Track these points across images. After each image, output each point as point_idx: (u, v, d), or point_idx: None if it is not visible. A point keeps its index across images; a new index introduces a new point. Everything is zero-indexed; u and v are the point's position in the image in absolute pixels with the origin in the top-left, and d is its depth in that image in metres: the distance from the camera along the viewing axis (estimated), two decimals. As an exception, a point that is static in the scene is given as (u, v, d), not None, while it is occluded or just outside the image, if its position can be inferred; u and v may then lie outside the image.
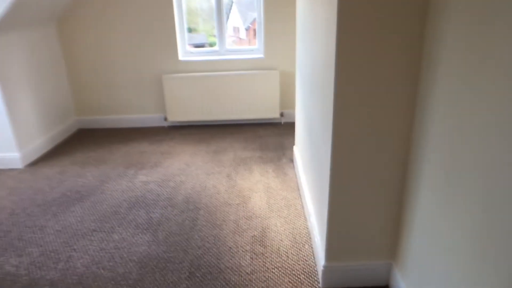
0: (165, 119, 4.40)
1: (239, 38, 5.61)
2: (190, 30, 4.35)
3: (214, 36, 4.34)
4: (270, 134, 4.12)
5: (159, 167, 3.42)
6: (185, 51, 4.35)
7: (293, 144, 3.74)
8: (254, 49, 4.33)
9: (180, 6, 4.15)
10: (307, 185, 2.53)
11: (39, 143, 3.79)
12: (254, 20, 4.33)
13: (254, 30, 4.41)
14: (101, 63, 4.29)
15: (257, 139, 4.00)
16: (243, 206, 2.72)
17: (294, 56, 4.14)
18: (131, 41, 4.18)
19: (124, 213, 2.70)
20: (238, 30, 5.46)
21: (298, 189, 2.92)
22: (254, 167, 3.34)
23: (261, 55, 4.25)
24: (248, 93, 4.21)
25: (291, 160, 3.45)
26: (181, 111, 4.32)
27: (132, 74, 4.33)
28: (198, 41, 4.59)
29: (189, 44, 4.44)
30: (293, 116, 4.34)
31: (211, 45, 4.52)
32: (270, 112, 4.30)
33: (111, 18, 4.09)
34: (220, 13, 4.17)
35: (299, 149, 3.02)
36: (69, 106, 4.43)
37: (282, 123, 4.43)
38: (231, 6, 5.12)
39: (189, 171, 3.32)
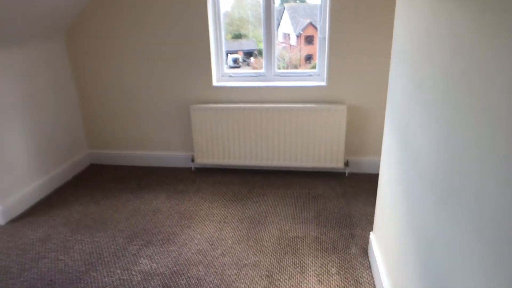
0: (192, 159, 3.41)
1: (289, 45, 4.65)
2: (240, 36, 3.55)
3: None
4: (330, 194, 2.97)
5: (172, 244, 2.40)
6: (221, 74, 3.34)
7: (365, 214, 2.56)
8: (313, 75, 3.21)
9: (217, 16, 3.15)
10: None
11: (32, 189, 2.94)
12: (307, 26, 3.27)
13: (306, 37, 3.31)
14: (117, 87, 3.40)
15: (312, 201, 2.87)
16: None
17: (368, 86, 2.97)
18: (154, 63, 3.25)
19: None
20: (289, 37, 4.51)
21: (383, 324, 1.76)
22: (308, 260, 2.22)
23: (323, 83, 3.12)
24: (303, 133, 3.10)
25: (365, 251, 2.28)
26: (213, 152, 3.31)
27: (153, 103, 3.39)
28: (247, 47, 3.67)
29: (239, 51, 3.46)
30: (362, 166, 3.16)
31: (260, 52, 3.47)
32: (332, 160, 3.15)
33: (129, 33, 3.18)
34: (270, 28, 3.11)
35: (384, 240, 1.86)
36: (80, 138, 3.58)
37: (347, 174, 3.26)
38: (283, 12, 4.07)
39: (213, 257, 2.27)
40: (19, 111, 2.85)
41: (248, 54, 3.71)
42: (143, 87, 3.36)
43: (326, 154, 3.14)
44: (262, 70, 3.29)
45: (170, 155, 3.56)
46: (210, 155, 3.33)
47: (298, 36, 4.34)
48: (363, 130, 3.17)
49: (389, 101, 1.87)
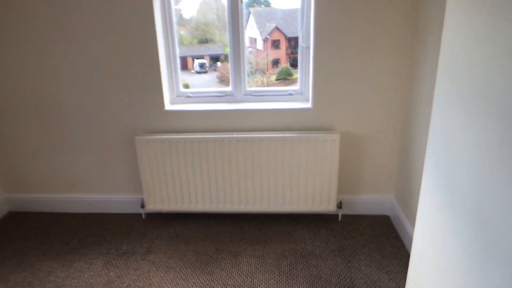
0: (142, 205, 2.62)
1: (256, 50, 4.06)
2: (206, 40, 2.98)
3: None
4: (323, 250, 2.27)
5: None
6: (176, 94, 2.58)
7: (372, 282, 1.89)
8: (294, 93, 2.52)
9: (168, 22, 2.39)
10: None
11: None
12: (273, 30, 2.73)
13: (273, 41, 2.77)
14: (42, 109, 2.56)
15: (300, 262, 2.17)
16: None
17: (364, 108, 2.32)
18: (89, 78, 2.44)
19: None
20: (255, 41, 3.95)
21: None
22: None
23: (307, 104, 2.44)
24: (284, 169, 2.40)
25: None
26: (168, 195, 2.54)
27: (90, 131, 2.58)
28: (214, 51, 3.13)
29: (205, 55, 2.83)
30: (358, 207, 2.52)
31: (227, 57, 2.81)
32: (322, 202, 2.46)
33: (56, 44, 2.37)
34: (237, 38, 2.40)
35: None
36: (-12, 180, 2.71)
37: (340, 218, 2.58)
38: (248, 16, 3.44)
39: None
40: None
41: (215, 59, 3.09)
42: (76, 111, 2.54)
43: (314, 194, 2.45)
44: (229, 88, 2.56)
45: (113, 199, 2.75)
46: (164, 199, 2.56)
47: (265, 40, 3.88)
48: (358, 163, 2.51)
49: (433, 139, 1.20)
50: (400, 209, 2.44)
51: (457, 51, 1.05)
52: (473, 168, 0.96)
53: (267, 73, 2.92)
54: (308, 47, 2.37)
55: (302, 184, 2.42)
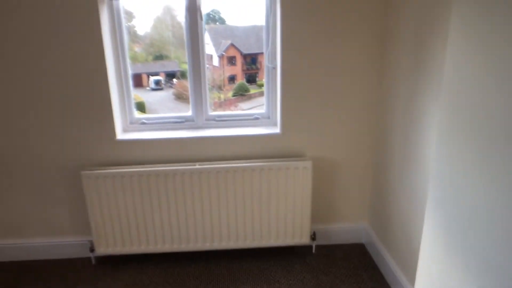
0: (92, 248, 2.27)
1: (212, 66, 3.96)
2: (161, 57, 2.87)
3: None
4: (299, 289, 2.06)
5: None
6: (130, 121, 2.30)
7: None
8: (261, 117, 2.34)
9: (118, 39, 2.13)
10: None
11: None
12: (228, 47, 2.67)
13: (228, 58, 2.73)
14: (-39, 146, 2.17)
15: (275, 307, 1.94)
16: None
17: (335, 132, 2.18)
18: (24, 100, 2.10)
19: None
20: (211, 58, 3.85)
21: None
22: None
23: (276, 129, 2.26)
24: (253, 200, 2.18)
25: None
26: (121, 235, 2.22)
27: (27, 164, 2.22)
28: (169, 68, 2.99)
29: (160, 72, 2.66)
30: (331, 236, 2.36)
31: (183, 74, 2.69)
32: (294, 234, 2.27)
33: (-27, 60, 2.02)
34: (197, 59, 2.19)
35: None
36: None
37: (314, 250, 2.39)
38: (204, 33, 3.31)
39: None
40: None
41: (171, 75, 2.91)
42: (10, 147, 2.17)
43: (286, 226, 2.25)
44: (189, 113, 2.32)
45: (57, 243, 2.38)
46: (118, 240, 2.24)
47: (220, 57, 3.81)
48: (330, 190, 2.35)
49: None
50: (375, 235, 2.30)
51: (458, 88, 0.92)
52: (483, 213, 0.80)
53: (224, 89, 2.83)
54: (274, 68, 2.20)
55: (273, 216, 2.22)
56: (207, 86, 2.28)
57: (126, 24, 2.18)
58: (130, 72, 2.25)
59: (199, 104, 2.28)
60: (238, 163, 2.14)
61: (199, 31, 2.16)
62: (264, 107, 2.32)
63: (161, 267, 2.28)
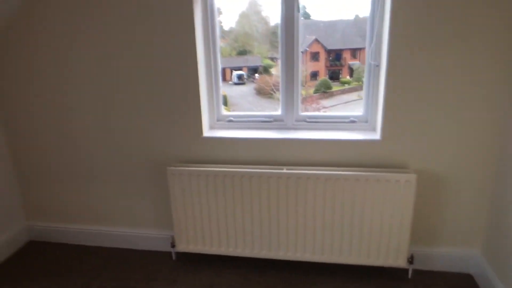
0: (173, 244, 2.26)
1: None
2: (245, 52, 2.85)
3: (272, 60, 2.53)
4: (393, 320, 1.80)
5: None
6: (217, 118, 2.23)
7: None
8: (358, 120, 2.09)
9: (210, 35, 2.06)
10: None
11: None
12: (312, 42, 2.47)
13: (312, 54, 2.54)
14: (68, 138, 2.29)
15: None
16: None
17: (449, 141, 1.85)
18: (114, 99, 2.14)
19: None
20: None
21: None
22: None
23: (375, 135, 2.00)
24: (343, 213, 1.96)
25: None
26: (203, 235, 2.17)
27: (115, 158, 2.28)
28: (252, 63, 2.97)
29: (243, 67, 2.58)
30: (433, 262, 2.04)
31: (266, 69, 2.67)
32: (388, 254, 2.00)
33: (78, 54, 2.10)
34: (292, 53, 2.02)
35: None
36: (13, 204, 2.45)
37: (411, 276, 2.08)
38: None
39: None
40: None
41: (253, 70, 2.86)
42: (102, 137, 2.24)
43: (380, 245, 1.98)
44: (278, 113, 2.17)
45: (141, 234, 2.41)
46: (199, 239, 2.18)
47: (304, 52, 3.66)
48: (436, 209, 2.02)
49: None
50: (489, 266, 1.93)
51: None
52: None
53: (306, 85, 2.64)
54: (378, 66, 1.94)
55: (366, 232, 1.97)
56: (300, 84, 2.10)
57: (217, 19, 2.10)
58: (220, 68, 2.16)
59: (289, 103, 2.11)
60: (330, 171, 1.93)
61: (295, 23, 1.99)
62: (362, 109, 2.07)
63: (239, 271, 2.18)
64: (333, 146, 1.99)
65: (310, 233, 2.02)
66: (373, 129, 2.05)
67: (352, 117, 2.09)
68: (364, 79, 2.03)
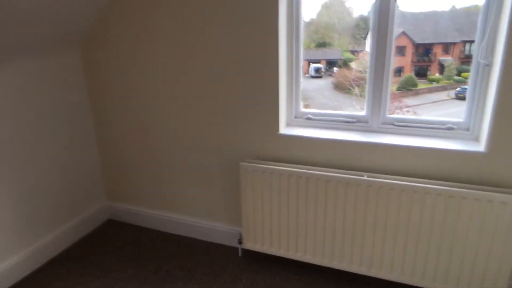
0: (240, 241, 2.21)
1: None
2: (324, 44, 2.75)
3: (353, 53, 2.40)
4: None
5: None
6: (295, 115, 2.11)
7: None
8: (456, 127, 1.82)
9: (294, 28, 1.93)
10: None
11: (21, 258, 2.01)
12: (399, 35, 2.16)
13: (398, 47, 2.23)
14: (149, 126, 2.36)
15: None
16: None
17: None
18: (195, 94, 2.14)
19: None
20: None
21: None
22: None
23: (478, 147, 1.72)
24: (430, 232, 1.73)
25: None
26: (271, 235, 2.09)
27: (193, 150, 2.29)
28: (331, 56, 2.85)
29: (321, 60, 2.49)
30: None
31: (345, 63, 2.53)
32: (481, 284, 1.72)
33: (162, 51, 2.12)
34: (383, 49, 1.81)
35: None
36: (96, 184, 2.63)
37: (509, 314, 1.78)
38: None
39: None
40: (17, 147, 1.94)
41: (331, 63, 2.78)
42: (181, 128, 2.27)
43: (472, 272, 1.72)
44: (362, 113, 1.98)
45: (209, 226, 2.41)
46: (266, 239, 2.11)
47: None
48: (551, 239, 1.68)
49: None
50: None
51: None
52: None
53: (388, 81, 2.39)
54: (488, 65, 1.65)
55: (457, 256, 1.72)
56: (390, 83, 1.88)
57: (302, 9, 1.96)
58: (302, 63, 2.03)
59: (376, 103, 1.91)
60: (419, 183, 1.70)
61: (389, 14, 1.77)
62: (464, 114, 1.79)
63: (304, 279, 2.06)
64: (424, 154, 1.75)
65: (389, 250, 1.82)
66: (476, 139, 1.77)
67: (450, 123, 1.82)
68: (469, 80, 1.75)
